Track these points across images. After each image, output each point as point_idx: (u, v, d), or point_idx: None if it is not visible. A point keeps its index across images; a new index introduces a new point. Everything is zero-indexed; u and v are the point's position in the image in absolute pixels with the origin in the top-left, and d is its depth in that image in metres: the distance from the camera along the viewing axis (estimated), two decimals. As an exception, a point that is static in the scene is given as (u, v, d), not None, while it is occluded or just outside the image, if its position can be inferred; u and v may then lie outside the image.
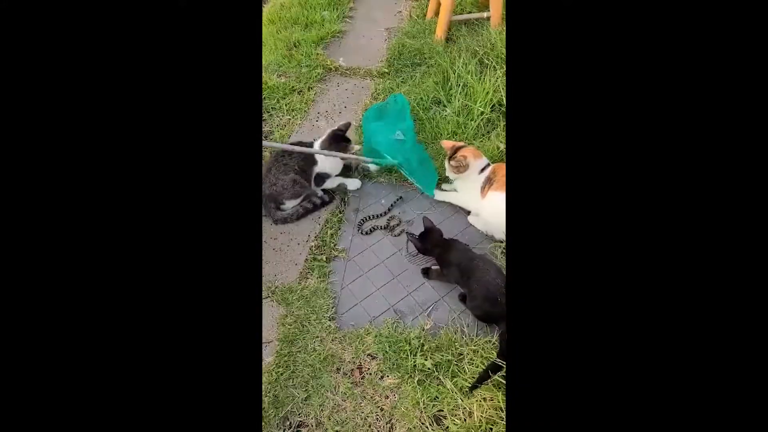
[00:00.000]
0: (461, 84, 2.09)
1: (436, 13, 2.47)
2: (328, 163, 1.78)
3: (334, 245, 1.69)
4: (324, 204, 1.80)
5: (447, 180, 1.78)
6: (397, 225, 1.74)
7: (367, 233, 1.71)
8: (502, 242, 1.62)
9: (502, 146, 1.84)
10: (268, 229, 1.74)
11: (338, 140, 1.75)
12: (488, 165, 1.68)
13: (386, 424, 1.26)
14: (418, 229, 1.59)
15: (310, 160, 1.76)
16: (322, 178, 1.81)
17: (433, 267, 1.58)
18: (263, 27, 2.59)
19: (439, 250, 1.52)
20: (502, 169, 1.63)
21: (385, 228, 1.73)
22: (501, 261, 1.54)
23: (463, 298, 1.50)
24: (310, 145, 1.76)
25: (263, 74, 2.29)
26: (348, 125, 1.80)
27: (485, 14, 2.42)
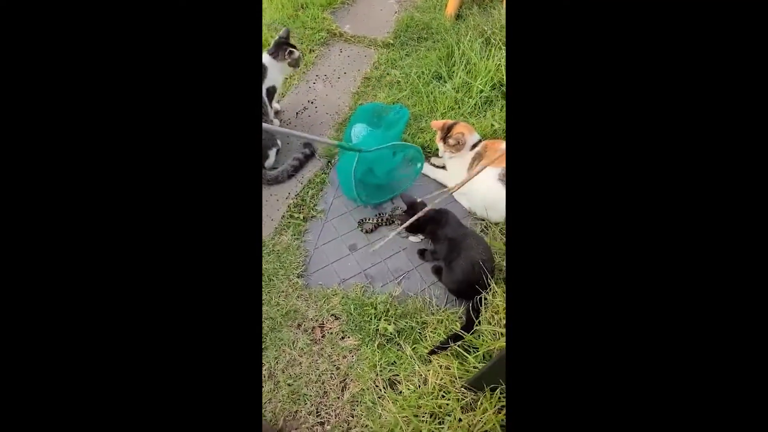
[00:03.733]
0: (464, 61, 2.04)
1: (450, -11, 2.40)
2: (275, 73, 1.77)
3: (314, 205, 1.65)
4: (308, 158, 1.77)
5: (436, 153, 1.73)
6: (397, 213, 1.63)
7: (368, 232, 1.60)
8: (483, 220, 1.57)
9: (497, 125, 1.80)
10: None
11: (283, 46, 1.75)
12: (480, 141, 1.63)
13: (340, 382, 1.23)
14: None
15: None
16: (270, 92, 1.77)
17: (428, 249, 1.51)
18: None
19: (432, 224, 1.41)
20: (493, 144, 1.58)
21: (388, 223, 1.62)
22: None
23: (437, 271, 1.46)
24: None
25: (265, 31, 2.24)
26: (288, 31, 1.79)
27: (499, -5, 2.36)
